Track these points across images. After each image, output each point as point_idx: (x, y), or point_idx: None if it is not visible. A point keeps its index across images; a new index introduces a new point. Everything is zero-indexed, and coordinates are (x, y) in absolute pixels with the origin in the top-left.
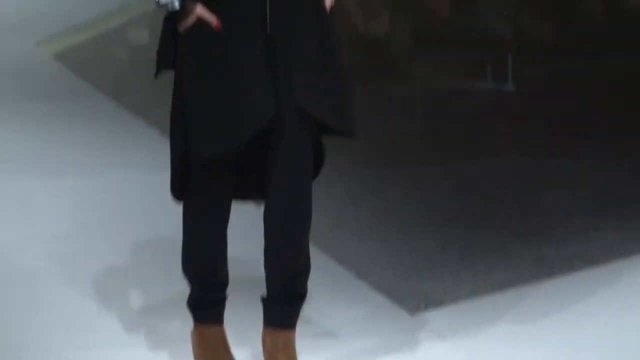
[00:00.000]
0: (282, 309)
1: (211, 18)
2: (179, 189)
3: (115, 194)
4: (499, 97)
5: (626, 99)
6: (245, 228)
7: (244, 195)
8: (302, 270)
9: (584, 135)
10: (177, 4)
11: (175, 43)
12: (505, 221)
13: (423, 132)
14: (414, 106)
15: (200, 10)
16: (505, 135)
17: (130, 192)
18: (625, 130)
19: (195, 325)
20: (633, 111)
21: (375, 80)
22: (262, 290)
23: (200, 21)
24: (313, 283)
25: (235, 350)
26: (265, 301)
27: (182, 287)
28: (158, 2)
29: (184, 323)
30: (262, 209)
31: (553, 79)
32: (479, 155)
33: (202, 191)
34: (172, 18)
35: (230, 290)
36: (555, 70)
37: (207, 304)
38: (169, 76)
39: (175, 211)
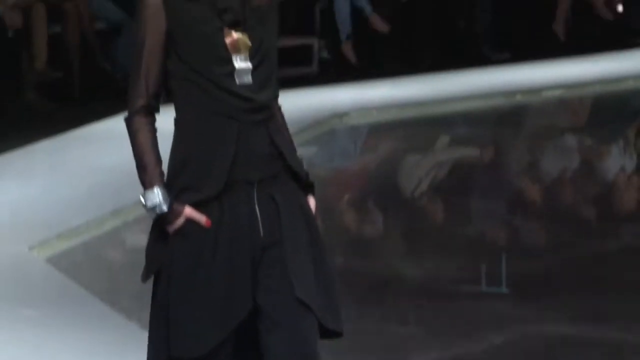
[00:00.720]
0: None
1: (200, 217)
2: None
3: None
4: (493, 300)
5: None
6: None
7: None
8: None
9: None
10: (164, 207)
11: (165, 245)
12: None
13: (419, 335)
14: (407, 309)
15: (188, 211)
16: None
17: None
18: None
19: None
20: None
21: (369, 284)
22: None
23: (190, 221)
24: None
25: None
26: None
27: None
28: (145, 206)
29: None
30: None
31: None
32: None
33: None
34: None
35: None
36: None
37: None
38: None
39: None
